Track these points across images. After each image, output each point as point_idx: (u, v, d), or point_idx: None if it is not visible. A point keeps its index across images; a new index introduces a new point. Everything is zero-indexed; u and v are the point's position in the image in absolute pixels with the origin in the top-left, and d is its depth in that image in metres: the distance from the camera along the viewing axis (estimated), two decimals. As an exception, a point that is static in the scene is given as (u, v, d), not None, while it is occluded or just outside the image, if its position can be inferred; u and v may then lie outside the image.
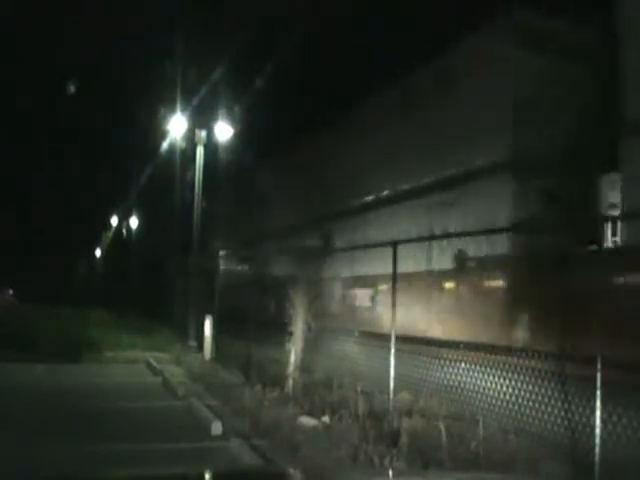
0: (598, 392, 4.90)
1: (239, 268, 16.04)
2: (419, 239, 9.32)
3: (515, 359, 6.44)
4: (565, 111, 17.90)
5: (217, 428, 7.65)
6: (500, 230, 8.95)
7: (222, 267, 15.46)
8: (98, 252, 53.68)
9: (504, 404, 6.29)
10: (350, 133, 26.60)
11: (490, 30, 20.35)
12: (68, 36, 34.59)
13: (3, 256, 46.44)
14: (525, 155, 17.56)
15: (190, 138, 19.26)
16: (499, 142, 19.18)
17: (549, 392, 5.89)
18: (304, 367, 9.50)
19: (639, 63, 14.64)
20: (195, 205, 18.41)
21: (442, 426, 6.16)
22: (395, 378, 7.18)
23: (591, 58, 18.50)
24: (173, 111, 20.01)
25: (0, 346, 14.48)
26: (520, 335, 13.38)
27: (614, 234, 15.37)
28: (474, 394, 6.74)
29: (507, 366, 6.47)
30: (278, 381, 9.42)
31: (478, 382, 6.69)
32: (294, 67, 22.13)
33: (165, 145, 23.49)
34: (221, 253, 16.23)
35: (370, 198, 25.81)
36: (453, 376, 7.06)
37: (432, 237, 14.70)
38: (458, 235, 7.95)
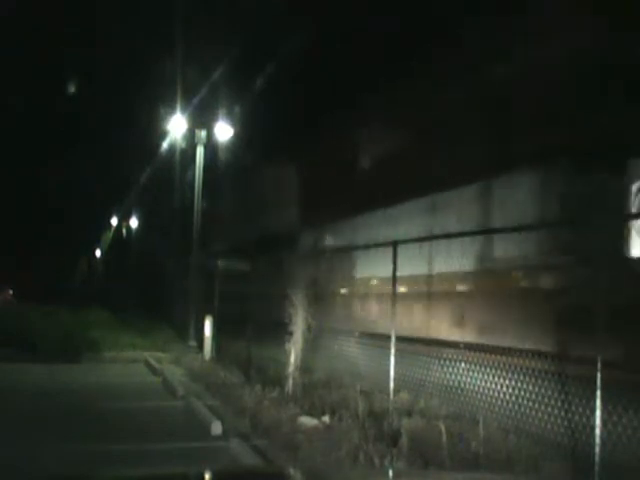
0: (598, 392, 4.90)
1: (239, 268, 16.02)
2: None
3: (515, 359, 6.44)
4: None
5: (217, 428, 7.65)
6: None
7: (222, 267, 15.47)
8: (98, 252, 53.70)
9: (504, 404, 6.29)
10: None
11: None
12: (67, 36, 34.57)
13: (3, 256, 46.45)
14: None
15: (190, 138, 19.26)
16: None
17: (549, 392, 5.89)
18: (304, 367, 9.50)
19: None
20: (195, 205, 18.41)
21: (442, 426, 6.16)
22: (395, 378, 7.18)
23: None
24: (173, 111, 20.02)
25: (0, 346, 14.49)
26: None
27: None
28: (474, 394, 6.75)
29: (507, 366, 6.48)
30: (278, 381, 9.43)
31: (478, 382, 6.70)
32: (295, 66, 22.08)
33: (165, 145, 23.50)
34: (221, 253, 16.25)
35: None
36: (453, 376, 7.07)
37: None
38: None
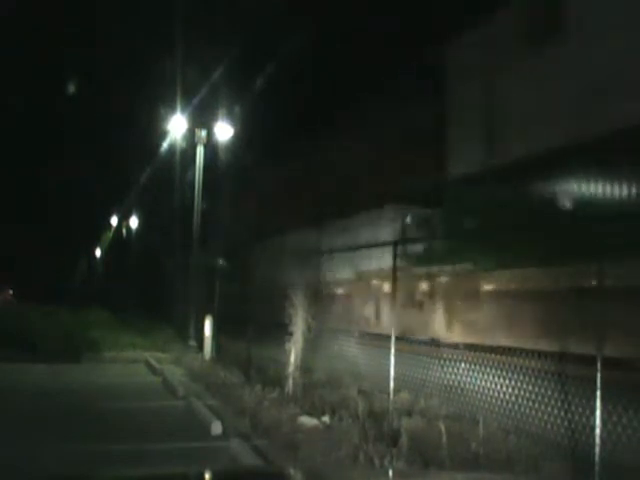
0: (598, 392, 4.90)
1: (239, 268, 16.05)
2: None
3: (515, 359, 6.44)
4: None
5: (217, 428, 7.65)
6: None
7: (222, 267, 15.47)
8: (98, 252, 53.66)
9: (504, 404, 6.29)
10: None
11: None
12: (67, 36, 34.58)
13: (3, 256, 46.44)
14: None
15: (190, 138, 19.26)
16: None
17: (549, 392, 5.89)
18: (304, 367, 9.50)
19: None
20: (195, 205, 18.41)
21: (442, 426, 6.16)
22: (395, 378, 7.17)
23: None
24: (173, 111, 20.02)
25: (0, 346, 14.49)
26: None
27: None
28: (474, 394, 6.75)
29: (507, 366, 6.48)
30: (278, 381, 9.42)
31: (478, 382, 6.70)
32: (295, 65, 22.10)
33: (165, 145, 23.49)
34: (221, 253, 16.26)
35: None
36: (453, 376, 7.06)
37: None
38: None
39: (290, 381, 9.21)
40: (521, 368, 6.19)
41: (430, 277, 13.65)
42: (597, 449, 4.87)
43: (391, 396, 7.10)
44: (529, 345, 7.62)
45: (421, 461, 5.80)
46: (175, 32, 22.14)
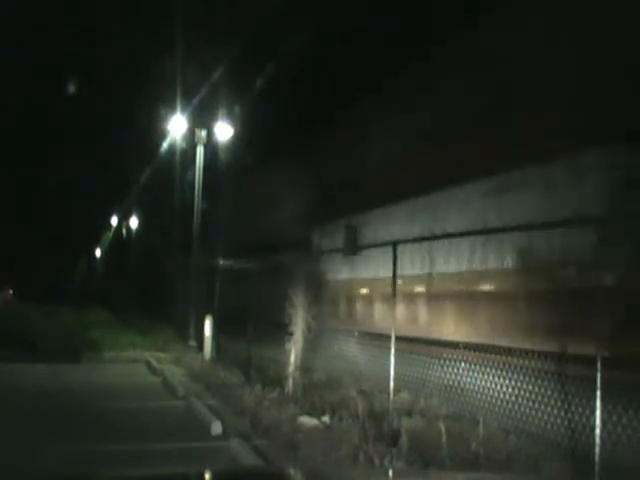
0: (598, 392, 4.90)
1: (239, 268, 15.99)
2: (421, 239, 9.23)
3: (515, 359, 6.44)
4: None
5: (217, 428, 7.66)
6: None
7: (222, 267, 15.46)
8: (98, 252, 53.69)
9: (504, 404, 6.29)
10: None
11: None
12: (67, 36, 34.60)
13: (3, 256, 46.46)
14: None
15: (190, 138, 19.27)
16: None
17: (549, 392, 5.89)
18: (304, 367, 9.50)
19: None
20: (195, 205, 18.42)
21: (442, 426, 6.16)
22: (395, 378, 7.17)
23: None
24: (173, 111, 20.03)
25: (0, 346, 14.50)
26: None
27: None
28: (474, 394, 6.75)
29: (507, 366, 6.47)
30: (278, 381, 9.43)
31: (478, 382, 6.70)
32: (295, 65, 22.10)
33: (165, 145, 23.49)
34: (221, 253, 16.23)
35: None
36: (453, 376, 7.06)
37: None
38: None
39: (290, 381, 9.21)
40: (521, 368, 6.19)
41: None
42: (597, 449, 4.87)
43: (391, 396, 7.11)
44: None
45: (421, 461, 5.80)
46: (175, 32, 22.14)
